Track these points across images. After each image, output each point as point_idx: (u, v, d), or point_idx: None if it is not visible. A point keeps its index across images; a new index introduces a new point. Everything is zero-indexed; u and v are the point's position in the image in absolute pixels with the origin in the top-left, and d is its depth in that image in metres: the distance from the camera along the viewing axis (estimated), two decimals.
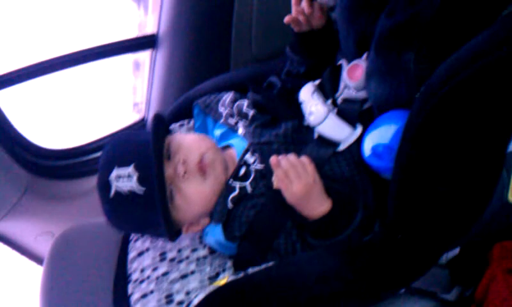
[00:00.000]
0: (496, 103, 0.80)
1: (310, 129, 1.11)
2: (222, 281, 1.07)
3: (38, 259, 1.79)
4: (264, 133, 1.13)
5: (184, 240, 1.20)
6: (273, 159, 1.03)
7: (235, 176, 1.11)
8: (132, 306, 1.15)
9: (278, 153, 1.07)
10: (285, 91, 1.19)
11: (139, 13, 1.81)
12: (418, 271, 0.97)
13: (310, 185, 1.01)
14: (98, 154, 1.70)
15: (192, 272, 1.15)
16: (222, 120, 1.22)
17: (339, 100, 1.10)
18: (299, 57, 1.24)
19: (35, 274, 1.71)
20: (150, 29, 1.72)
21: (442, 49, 0.88)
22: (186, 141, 1.13)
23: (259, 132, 1.14)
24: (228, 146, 1.20)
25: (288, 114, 1.14)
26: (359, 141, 1.05)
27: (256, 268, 1.05)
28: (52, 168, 1.66)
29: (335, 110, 1.09)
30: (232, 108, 1.21)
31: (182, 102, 1.38)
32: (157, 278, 1.17)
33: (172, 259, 1.19)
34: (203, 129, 1.28)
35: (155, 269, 1.19)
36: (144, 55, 1.74)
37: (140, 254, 1.24)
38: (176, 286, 1.14)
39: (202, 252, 1.18)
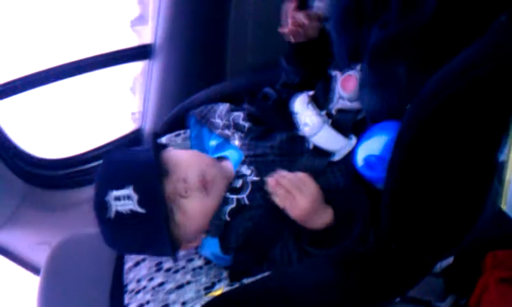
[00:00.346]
0: (486, 115, 0.81)
1: (305, 140, 1.11)
2: (218, 291, 1.08)
3: (35, 270, 1.79)
4: (258, 145, 1.13)
5: (180, 250, 1.20)
6: (271, 181, 1.02)
7: (232, 188, 1.11)
8: None
9: (273, 164, 1.08)
10: (280, 102, 1.19)
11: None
12: (413, 280, 0.97)
13: (315, 197, 1.01)
14: (95, 164, 1.71)
15: (188, 283, 1.16)
16: (218, 131, 1.22)
17: (333, 111, 1.11)
18: (294, 67, 1.24)
19: (32, 284, 1.71)
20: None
21: (434, 61, 0.89)
22: (184, 158, 1.11)
23: (254, 144, 1.14)
24: (223, 158, 1.20)
25: (283, 125, 1.15)
26: (353, 151, 1.05)
27: (252, 279, 1.05)
28: (49, 178, 1.66)
29: (330, 121, 1.09)
30: (228, 119, 1.21)
31: (178, 112, 1.38)
32: (153, 288, 1.17)
33: (168, 270, 1.19)
34: (198, 139, 1.28)
35: (151, 279, 1.19)
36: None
37: (136, 264, 1.24)
38: (172, 296, 1.14)
39: (198, 262, 1.18)
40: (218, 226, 1.10)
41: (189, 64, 1.66)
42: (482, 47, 0.82)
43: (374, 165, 0.98)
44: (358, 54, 1.04)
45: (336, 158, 1.08)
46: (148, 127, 1.76)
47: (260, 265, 1.08)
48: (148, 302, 1.15)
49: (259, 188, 1.09)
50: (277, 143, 1.12)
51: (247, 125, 1.18)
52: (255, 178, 1.10)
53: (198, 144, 1.27)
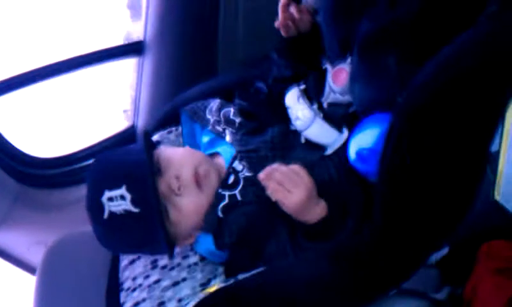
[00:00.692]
0: (478, 105, 0.81)
1: (297, 134, 1.11)
2: (213, 287, 1.08)
3: (31, 270, 1.78)
4: (250, 141, 1.13)
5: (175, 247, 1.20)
6: (261, 175, 1.01)
7: (224, 184, 1.11)
8: None
9: (266, 159, 1.07)
10: (272, 96, 1.19)
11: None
12: (407, 272, 0.97)
13: (309, 189, 1.00)
14: (88, 162, 1.70)
15: (184, 279, 1.16)
16: (209, 127, 1.22)
17: (325, 104, 1.11)
18: (286, 61, 1.23)
19: (28, 284, 1.71)
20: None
21: (425, 51, 0.88)
22: (176, 155, 1.11)
23: (246, 139, 1.13)
24: (215, 154, 1.20)
25: (275, 119, 1.14)
26: (346, 145, 1.05)
27: (247, 274, 1.05)
28: (42, 177, 1.65)
29: (321, 114, 1.09)
30: (219, 115, 1.21)
31: (169, 109, 1.37)
32: (149, 286, 1.17)
33: (164, 267, 1.19)
34: (190, 135, 1.28)
35: (147, 277, 1.19)
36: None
37: (132, 262, 1.24)
38: (168, 293, 1.14)
39: (193, 259, 1.18)
40: (212, 223, 1.10)
41: (181, 59, 1.66)
42: (473, 36, 0.81)
43: (367, 158, 0.98)
44: (349, 46, 1.04)
45: (329, 152, 1.08)
46: (140, 124, 1.76)
47: (255, 260, 1.08)
48: (144, 300, 1.15)
49: (252, 184, 1.09)
50: (269, 138, 1.12)
51: (238, 120, 1.17)
52: (248, 174, 1.10)
53: (190, 141, 1.27)
